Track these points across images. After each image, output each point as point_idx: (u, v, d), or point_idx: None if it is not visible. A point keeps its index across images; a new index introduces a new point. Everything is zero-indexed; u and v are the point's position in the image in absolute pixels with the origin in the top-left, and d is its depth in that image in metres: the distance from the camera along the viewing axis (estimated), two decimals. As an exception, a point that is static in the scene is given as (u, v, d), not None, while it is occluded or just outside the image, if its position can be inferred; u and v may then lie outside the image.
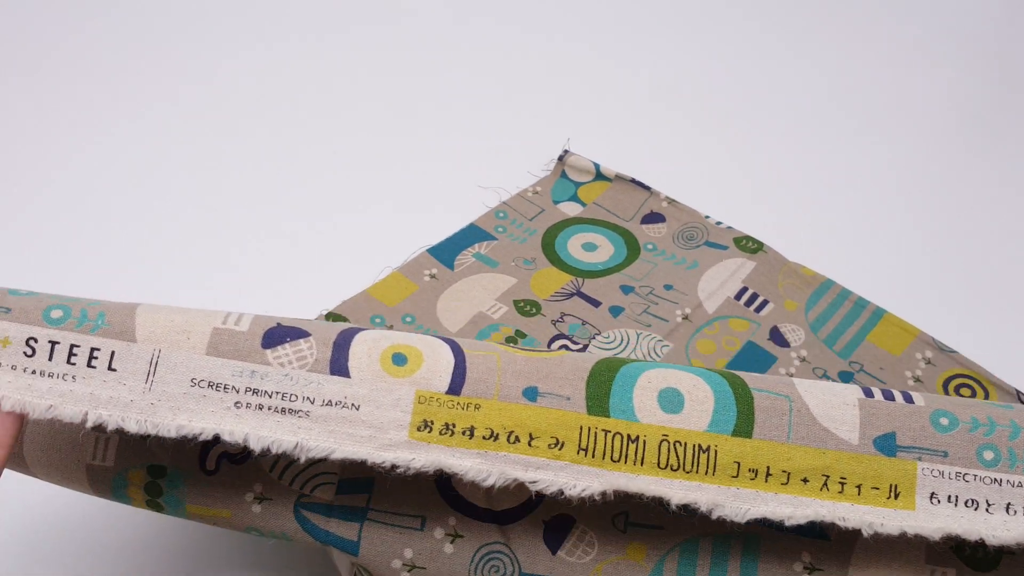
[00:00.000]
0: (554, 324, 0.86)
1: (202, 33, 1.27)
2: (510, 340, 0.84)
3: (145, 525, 0.69)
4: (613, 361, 0.51)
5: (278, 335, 0.48)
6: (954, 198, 1.09)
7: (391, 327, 0.83)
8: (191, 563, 0.68)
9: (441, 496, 0.53)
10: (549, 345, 0.84)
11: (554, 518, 0.53)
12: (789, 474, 0.47)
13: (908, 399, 0.50)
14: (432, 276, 0.90)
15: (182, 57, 1.23)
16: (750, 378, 0.50)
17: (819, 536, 0.52)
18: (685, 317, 0.87)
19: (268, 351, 0.47)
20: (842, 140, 1.18)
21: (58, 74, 1.18)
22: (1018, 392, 0.79)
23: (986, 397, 0.79)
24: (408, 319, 0.85)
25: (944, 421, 0.48)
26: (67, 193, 1.00)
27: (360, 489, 0.53)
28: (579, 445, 0.47)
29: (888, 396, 0.50)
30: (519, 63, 1.28)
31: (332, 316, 0.83)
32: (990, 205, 1.08)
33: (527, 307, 0.88)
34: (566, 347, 0.84)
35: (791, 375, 0.82)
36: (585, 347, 0.84)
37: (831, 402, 0.49)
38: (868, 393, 0.50)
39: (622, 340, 0.85)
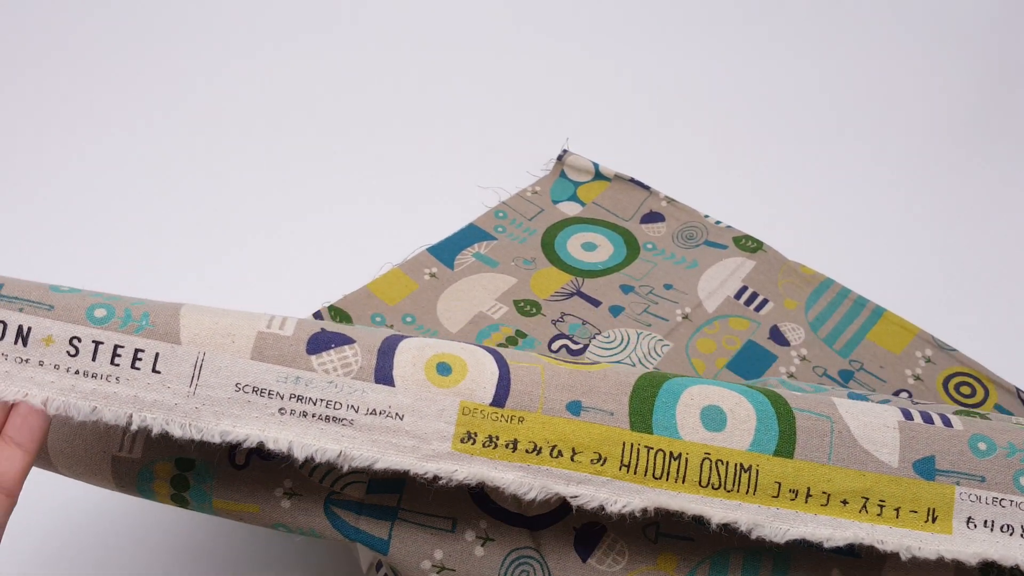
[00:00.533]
0: (554, 324, 0.86)
1: (207, 33, 1.27)
2: (510, 340, 0.84)
3: (156, 525, 0.69)
4: (656, 376, 0.50)
5: (323, 341, 0.48)
6: (953, 197, 1.09)
7: (391, 327, 0.84)
8: (205, 564, 0.68)
9: (472, 499, 0.53)
10: (549, 345, 0.84)
11: (585, 526, 0.53)
12: (829, 495, 0.47)
13: (947, 422, 0.50)
14: (432, 275, 0.90)
15: (189, 56, 1.23)
16: (792, 398, 0.50)
17: (849, 553, 0.52)
18: (685, 316, 0.87)
19: (313, 357, 0.47)
20: (841, 139, 1.18)
21: (56, 75, 1.18)
22: (1018, 390, 0.79)
23: (986, 395, 0.79)
24: (408, 319, 0.85)
25: (982, 446, 0.48)
26: (72, 191, 1.01)
27: (391, 489, 0.53)
28: (621, 461, 0.47)
29: (927, 419, 0.50)
30: (519, 63, 1.28)
31: (333, 309, 0.83)
32: (989, 204, 1.08)
33: (527, 307, 0.88)
34: (566, 347, 0.84)
35: (791, 374, 0.82)
36: (585, 347, 0.84)
37: (871, 424, 0.49)
38: (907, 415, 0.50)
39: (622, 340, 0.85)
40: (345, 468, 0.46)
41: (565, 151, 1.06)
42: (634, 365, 0.82)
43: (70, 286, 0.48)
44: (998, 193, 1.10)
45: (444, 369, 0.48)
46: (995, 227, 1.04)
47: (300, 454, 0.45)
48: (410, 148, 1.12)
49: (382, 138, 1.13)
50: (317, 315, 0.82)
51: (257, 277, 0.92)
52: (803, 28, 1.36)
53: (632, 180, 1.03)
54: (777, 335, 0.85)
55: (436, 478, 0.46)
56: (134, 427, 0.45)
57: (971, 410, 0.59)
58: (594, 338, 0.85)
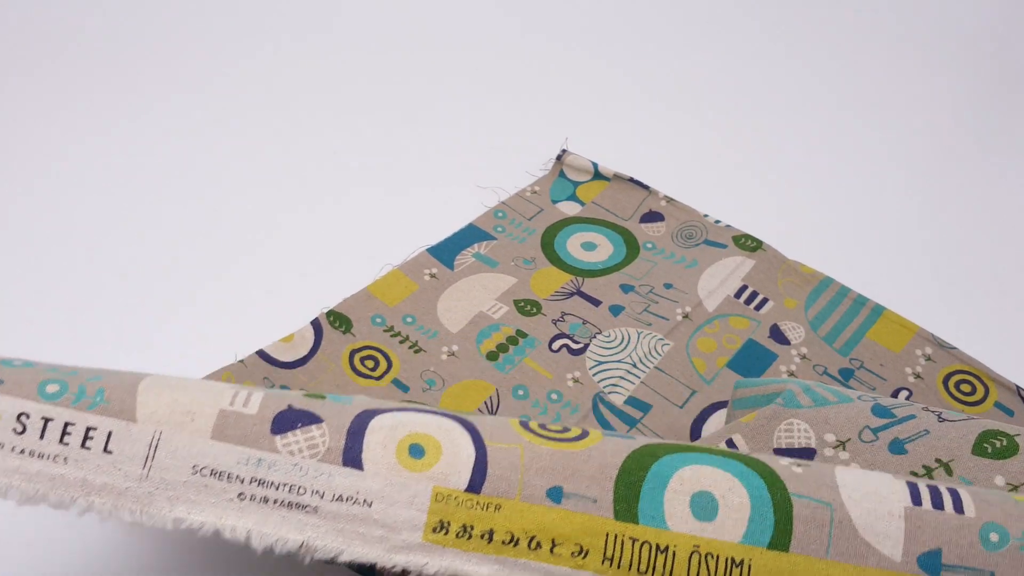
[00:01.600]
0: (554, 323, 0.86)
1: (205, 34, 1.27)
2: (511, 340, 0.84)
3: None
4: (645, 456, 0.48)
5: (289, 419, 0.46)
6: (951, 194, 1.09)
7: (391, 327, 0.84)
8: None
9: None
10: (550, 345, 0.84)
11: None
12: None
13: (958, 506, 0.47)
14: (432, 276, 0.90)
15: (188, 56, 1.23)
16: (791, 479, 0.47)
17: None
18: (685, 316, 0.87)
19: (278, 437, 0.45)
20: (840, 137, 1.18)
21: (55, 74, 1.17)
22: (1018, 388, 0.79)
23: (986, 393, 0.80)
24: (409, 320, 0.85)
25: (994, 537, 0.45)
26: (62, 194, 1.00)
27: None
28: (604, 554, 0.44)
29: (937, 502, 0.47)
30: (517, 63, 1.28)
31: (333, 314, 0.83)
32: (988, 201, 1.08)
33: (527, 306, 0.88)
34: (567, 347, 0.84)
35: (792, 373, 0.82)
36: (586, 346, 0.84)
37: (876, 512, 0.46)
38: (915, 497, 0.47)
39: (623, 339, 0.85)
40: (307, 561, 0.44)
41: (564, 151, 1.06)
42: (634, 365, 0.82)
43: (24, 360, 0.46)
44: (997, 190, 1.10)
45: (417, 451, 0.46)
46: (993, 223, 1.04)
47: (259, 544, 0.43)
48: (409, 149, 1.12)
49: (381, 139, 1.13)
50: (315, 323, 0.82)
51: (255, 281, 0.91)
52: (800, 25, 1.37)
53: (631, 180, 1.03)
54: (777, 334, 0.86)
55: (405, 572, 0.44)
56: (79, 512, 0.43)
57: (998, 455, 0.57)
58: (594, 337, 0.85)
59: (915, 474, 0.58)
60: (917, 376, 0.82)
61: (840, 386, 0.76)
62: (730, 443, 0.63)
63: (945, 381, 0.81)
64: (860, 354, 0.84)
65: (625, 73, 1.28)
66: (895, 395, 0.80)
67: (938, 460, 0.58)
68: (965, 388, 0.80)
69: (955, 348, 0.83)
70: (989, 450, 0.57)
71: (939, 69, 1.31)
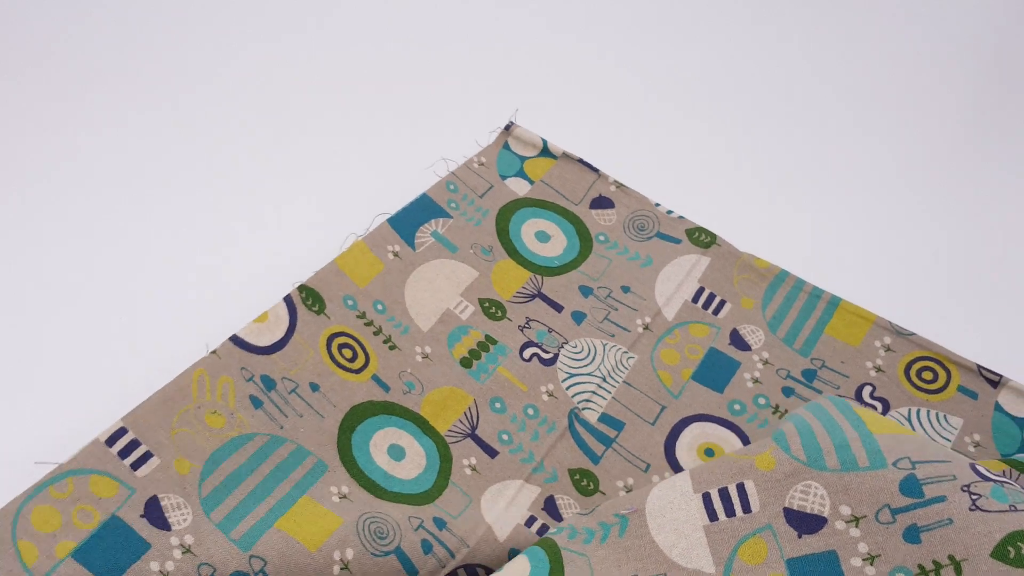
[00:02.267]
0: (521, 330, 0.87)
1: (170, 18, 1.23)
2: (481, 346, 0.85)
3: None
4: None
5: None
6: (904, 179, 1.07)
7: (363, 313, 0.85)
8: None
9: None
10: (520, 352, 0.85)
11: None
12: None
13: None
14: (395, 255, 0.89)
15: (170, 46, 1.20)
16: None
17: None
18: (646, 327, 0.87)
19: None
20: (789, 123, 1.15)
21: (52, 72, 1.14)
22: (979, 367, 0.80)
23: (948, 377, 0.80)
24: (379, 306, 0.85)
25: None
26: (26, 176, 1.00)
27: None
28: None
29: None
30: (468, 38, 1.25)
31: (304, 290, 0.82)
32: (941, 184, 1.06)
33: (493, 309, 0.88)
34: (538, 356, 0.85)
35: (756, 380, 0.83)
36: (556, 356, 0.85)
37: None
38: None
39: (589, 351, 0.86)
40: None
41: (512, 123, 1.03)
42: (604, 379, 0.84)
43: None
44: (953, 176, 1.08)
45: None
46: (952, 208, 1.03)
47: None
48: (359, 121, 1.10)
49: (332, 113, 1.12)
50: (288, 300, 0.81)
51: (218, 267, 0.92)
52: (755, 13, 1.32)
53: (580, 160, 1.00)
54: (737, 339, 0.86)
55: None
56: None
57: (1019, 562, 0.54)
58: (562, 347, 0.86)
59: (922, 568, 0.56)
60: (879, 370, 0.82)
61: (869, 407, 0.77)
62: (740, 487, 0.61)
63: (907, 371, 0.82)
64: (820, 353, 0.84)
65: (578, 56, 1.24)
66: (859, 391, 0.81)
67: (951, 557, 0.55)
68: (927, 376, 0.81)
69: (913, 334, 0.83)
70: (1012, 555, 0.53)
71: (902, 63, 1.26)
